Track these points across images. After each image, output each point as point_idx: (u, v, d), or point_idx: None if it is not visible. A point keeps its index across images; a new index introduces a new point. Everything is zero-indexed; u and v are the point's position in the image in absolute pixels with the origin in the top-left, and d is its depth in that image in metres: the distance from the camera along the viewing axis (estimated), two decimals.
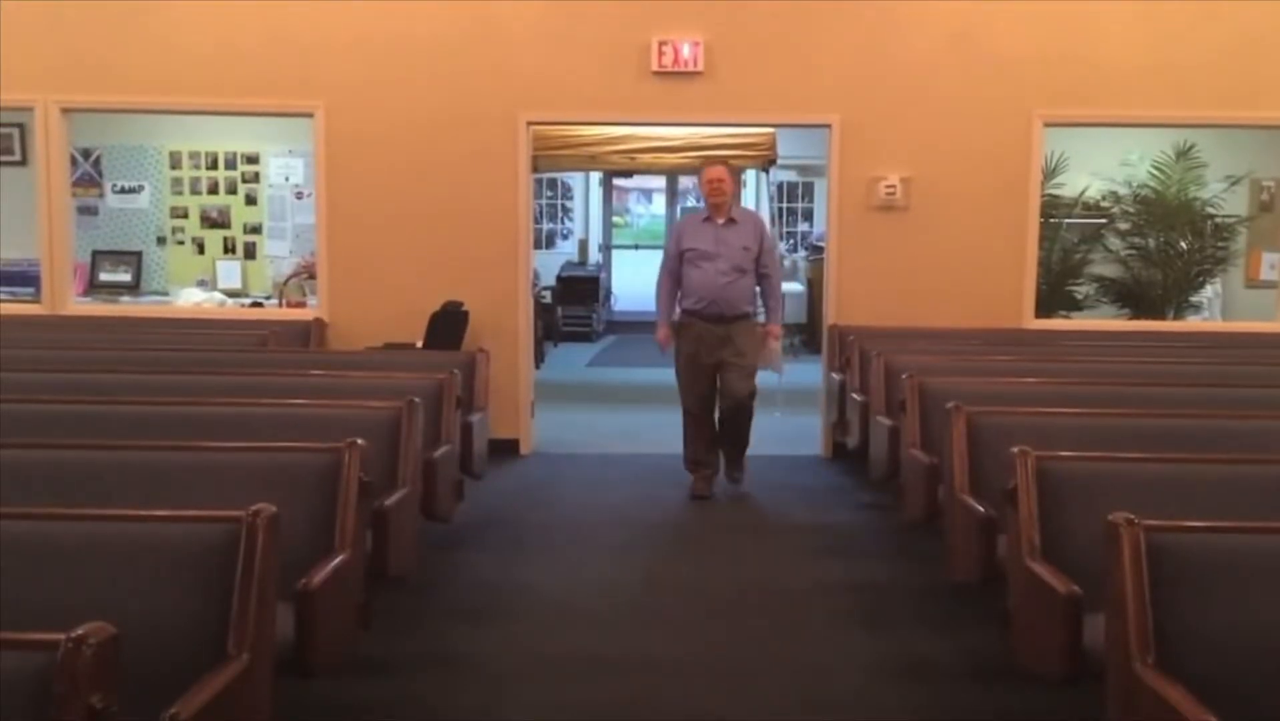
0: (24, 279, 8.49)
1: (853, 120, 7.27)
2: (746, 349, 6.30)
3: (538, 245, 10.64)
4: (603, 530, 5.83)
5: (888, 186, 7.29)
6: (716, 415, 6.46)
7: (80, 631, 1.89)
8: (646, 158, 9.67)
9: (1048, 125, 7.37)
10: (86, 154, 9.35)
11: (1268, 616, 2.50)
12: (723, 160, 6.80)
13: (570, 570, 5.16)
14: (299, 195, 9.37)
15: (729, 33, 7.25)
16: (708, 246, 6.24)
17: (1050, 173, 8.96)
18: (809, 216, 14.61)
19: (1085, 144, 9.18)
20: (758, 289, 6.41)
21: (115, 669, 1.93)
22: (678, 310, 6.43)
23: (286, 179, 9.48)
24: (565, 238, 15.31)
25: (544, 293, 12.30)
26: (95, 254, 9.43)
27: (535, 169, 7.85)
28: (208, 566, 2.52)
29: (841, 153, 7.30)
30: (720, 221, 6.27)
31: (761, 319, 6.58)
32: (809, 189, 14.42)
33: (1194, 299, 9.78)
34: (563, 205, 15.39)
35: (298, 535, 3.04)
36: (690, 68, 7.25)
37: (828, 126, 7.31)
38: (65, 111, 7.42)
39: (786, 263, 12.69)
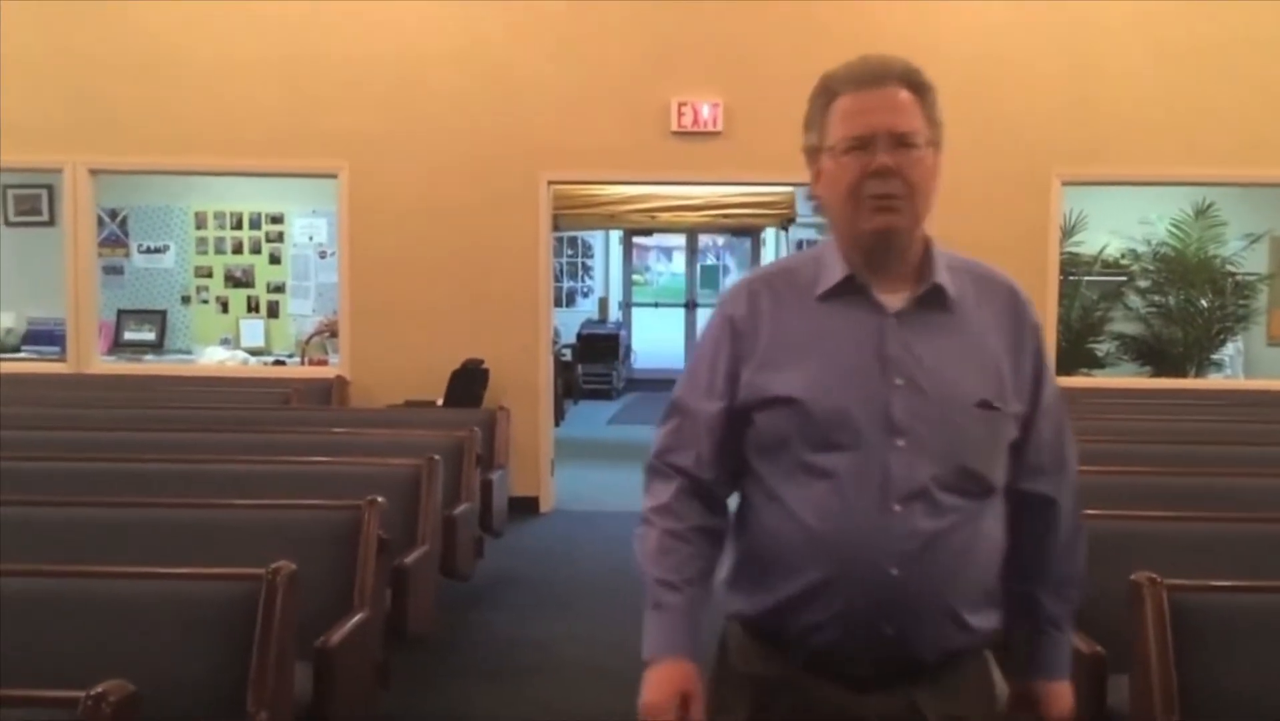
0: (50, 338, 8.58)
1: None
2: None
3: (558, 303, 10.72)
4: (622, 589, 5.79)
5: None
6: None
7: (100, 689, 1.91)
8: (666, 216, 9.76)
9: (1066, 184, 7.39)
10: (113, 214, 9.47)
11: None
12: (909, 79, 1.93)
13: (589, 629, 5.13)
14: (322, 254, 9.47)
15: (748, 93, 7.31)
16: (857, 395, 1.73)
17: (1069, 231, 8.98)
18: None
19: (1104, 202, 9.20)
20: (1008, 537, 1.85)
21: None
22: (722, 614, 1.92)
23: (310, 238, 9.59)
24: (585, 295, 15.38)
25: (564, 350, 12.33)
26: (120, 313, 9.52)
27: (556, 227, 7.92)
28: (227, 623, 2.52)
29: None
30: (898, 302, 1.77)
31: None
32: None
33: (1215, 356, 9.73)
34: (583, 263, 15.48)
35: (317, 593, 3.04)
36: (710, 128, 7.32)
37: None
38: (93, 173, 7.53)
39: None
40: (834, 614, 1.70)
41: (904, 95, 1.74)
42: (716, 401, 1.80)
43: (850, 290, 1.76)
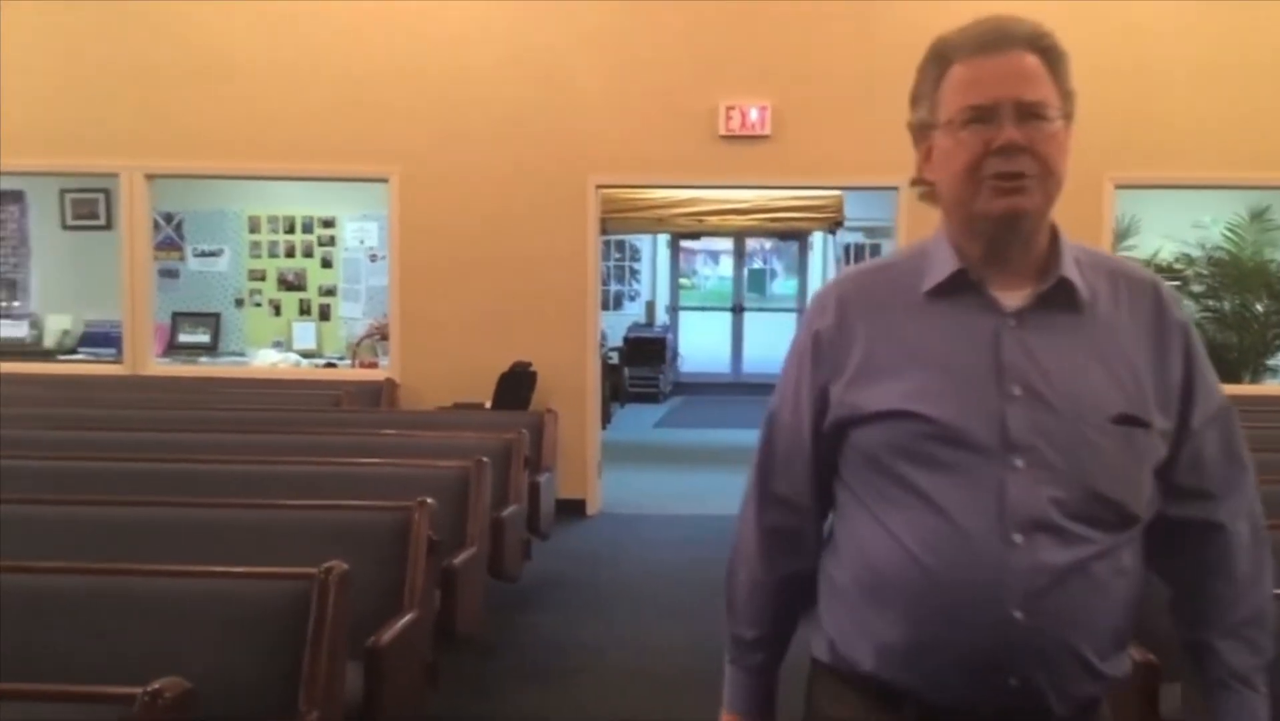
0: (106, 339, 8.72)
1: None
2: None
3: (605, 306, 10.75)
4: (668, 592, 5.80)
5: None
6: None
7: (157, 685, 1.92)
8: (714, 220, 9.75)
9: (1119, 187, 7.31)
10: (169, 218, 9.61)
11: None
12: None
13: (635, 632, 5.13)
14: (373, 258, 9.55)
15: (796, 97, 7.30)
16: (968, 406, 1.51)
17: (1122, 235, 8.87)
18: None
19: (1157, 206, 9.08)
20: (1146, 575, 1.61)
21: None
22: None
23: (361, 242, 9.68)
24: (633, 299, 15.40)
25: (611, 353, 12.36)
26: (175, 315, 9.66)
27: (604, 231, 7.94)
28: (280, 622, 2.54)
29: (910, 214, 7.28)
30: (1017, 300, 1.55)
31: None
32: (876, 251, 14.39)
33: (1271, 362, 9.58)
34: (630, 267, 15.50)
35: (367, 593, 3.06)
36: (757, 131, 7.31)
37: (895, 189, 7.32)
38: (149, 177, 7.65)
39: None
40: (947, 662, 1.48)
41: (1031, 60, 1.50)
42: (805, 420, 1.62)
43: (962, 287, 1.55)
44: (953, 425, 1.48)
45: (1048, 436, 1.47)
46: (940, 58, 1.55)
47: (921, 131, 1.59)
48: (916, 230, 7.21)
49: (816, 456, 1.63)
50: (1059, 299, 1.53)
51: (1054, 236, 1.58)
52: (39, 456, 4.26)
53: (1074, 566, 1.45)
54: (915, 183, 1.64)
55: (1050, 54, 1.52)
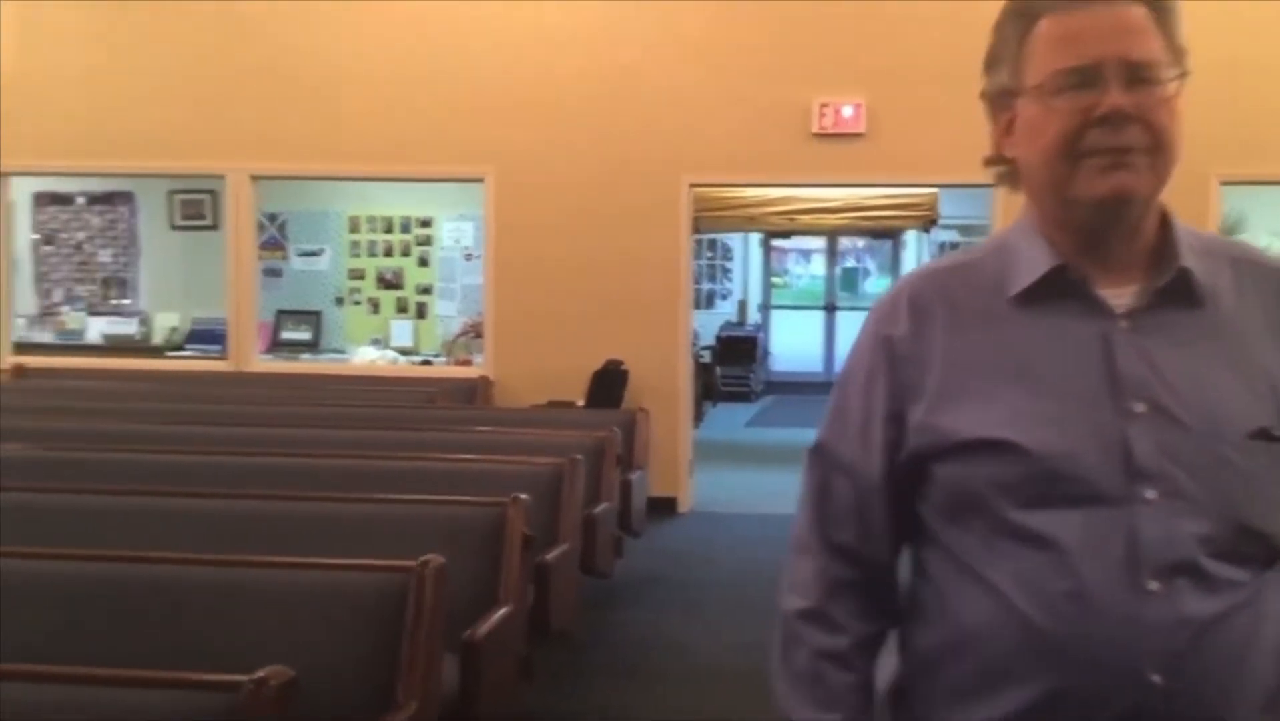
0: (212, 337, 8.96)
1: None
2: None
3: (697, 305, 10.75)
4: (759, 591, 5.77)
5: None
6: None
7: (262, 673, 1.97)
8: (806, 219, 9.69)
9: (1224, 184, 7.11)
10: (273, 218, 9.83)
11: None
12: None
13: (725, 631, 5.13)
14: (468, 257, 9.67)
15: (891, 93, 7.22)
16: (1082, 429, 1.26)
17: (1228, 231, 8.62)
18: None
19: (1264, 202, 8.81)
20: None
21: (294, 710, 2.00)
22: None
23: (457, 241, 9.81)
24: (724, 298, 15.36)
25: (703, 352, 12.35)
26: (279, 313, 9.88)
27: (696, 230, 7.95)
28: (379, 614, 2.58)
29: (1006, 211, 7.15)
30: (1127, 298, 1.30)
31: None
32: None
33: None
34: (722, 265, 15.47)
35: (462, 587, 3.10)
36: (851, 129, 7.25)
37: (991, 186, 7.19)
38: (254, 178, 7.85)
39: None
40: None
41: (1137, 12, 1.25)
42: (876, 452, 1.34)
43: (1060, 286, 1.28)
44: (1063, 454, 1.23)
45: (1181, 460, 1.22)
46: (1023, 12, 1.29)
47: (1000, 100, 1.33)
48: None
49: (891, 496, 1.34)
50: (1176, 294, 1.27)
51: (1165, 221, 1.31)
52: (149, 450, 4.40)
53: (1221, 616, 1.20)
54: (992, 161, 1.39)
55: (1157, 3, 1.27)
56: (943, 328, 1.31)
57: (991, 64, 1.35)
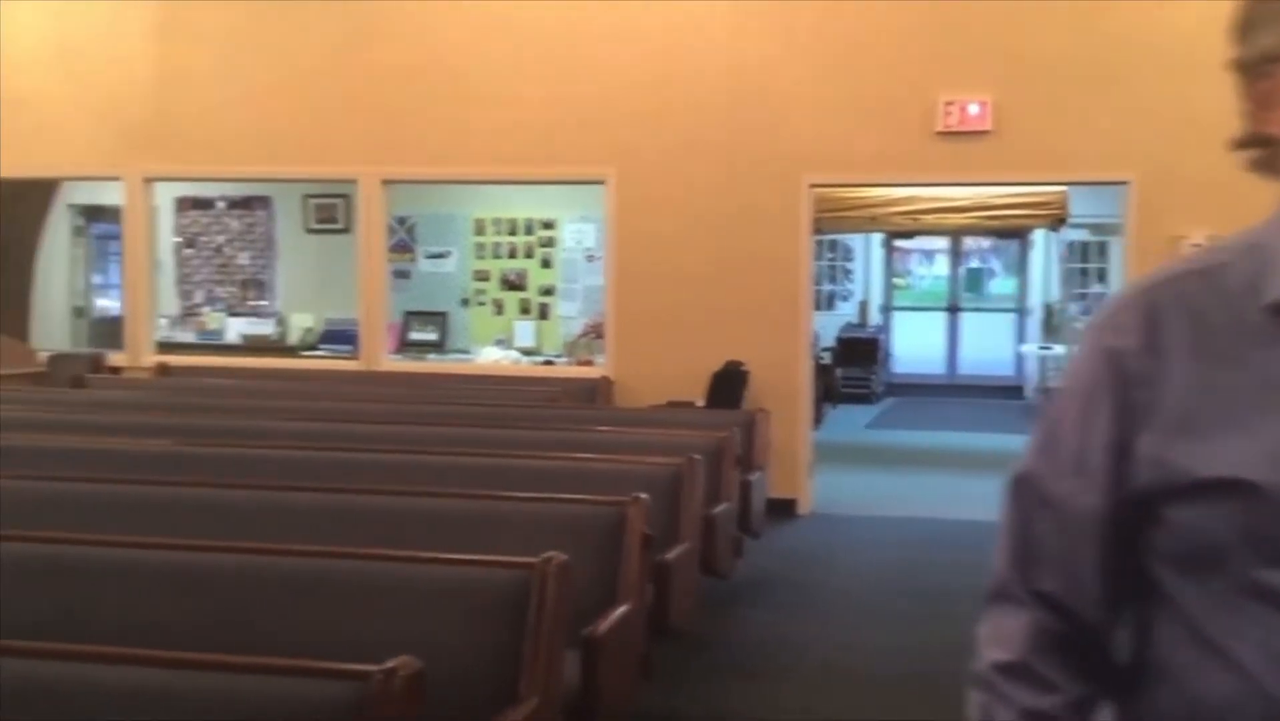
0: (344, 337, 9.23)
1: (1152, 176, 6.92)
2: None
3: (817, 306, 10.67)
4: (878, 594, 5.74)
5: (1192, 247, 6.90)
6: None
7: (391, 664, 2.01)
8: (930, 219, 9.55)
9: None
10: (402, 221, 10.07)
11: None
12: None
13: (845, 633, 5.10)
14: (589, 258, 9.77)
15: (1018, 90, 7.08)
16: None
17: None
18: (1102, 277, 13.97)
19: None
20: None
21: (421, 701, 2.04)
22: None
23: (579, 243, 9.92)
24: (845, 299, 15.23)
25: (823, 354, 12.27)
26: (407, 314, 10.13)
27: (816, 230, 7.90)
28: (502, 609, 2.62)
29: (1140, 211, 6.96)
30: None
31: None
32: (1102, 248, 13.79)
33: None
34: (843, 266, 15.34)
35: (582, 584, 3.14)
36: (977, 126, 7.13)
37: (1125, 183, 7.01)
38: (385, 183, 8.06)
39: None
40: None
41: None
42: (1097, 488, 1.11)
43: None
44: None
45: None
46: None
47: (1261, 68, 1.09)
48: (1149, 227, 6.87)
49: (1108, 542, 1.11)
50: None
51: None
52: (283, 446, 4.56)
53: None
54: (1246, 143, 1.13)
55: None
56: (1183, 342, 1.07)
57: (1247, 27, 1.11)
